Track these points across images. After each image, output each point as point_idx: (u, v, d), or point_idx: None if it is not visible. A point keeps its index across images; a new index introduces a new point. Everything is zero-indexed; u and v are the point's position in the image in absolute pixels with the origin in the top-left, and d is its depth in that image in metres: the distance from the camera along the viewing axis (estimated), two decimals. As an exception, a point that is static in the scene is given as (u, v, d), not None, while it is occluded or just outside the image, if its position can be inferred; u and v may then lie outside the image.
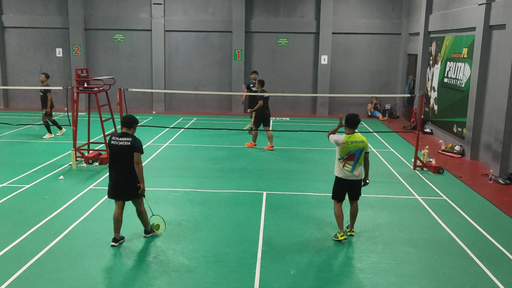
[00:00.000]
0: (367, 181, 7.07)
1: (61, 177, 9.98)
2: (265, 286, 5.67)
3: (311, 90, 20.00)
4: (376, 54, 19.96)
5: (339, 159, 6.85)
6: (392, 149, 13.29)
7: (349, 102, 20.12)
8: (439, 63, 15.22)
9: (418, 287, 5.74)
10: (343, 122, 7.00)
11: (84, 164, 10.98)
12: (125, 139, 6.50)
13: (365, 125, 17.53)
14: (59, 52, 20.36)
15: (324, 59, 19.59)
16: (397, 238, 7.16)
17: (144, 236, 7.01)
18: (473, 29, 12.54)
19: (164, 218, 7.28)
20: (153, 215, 7.17)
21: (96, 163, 11.02)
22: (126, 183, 6.57)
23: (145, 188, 6.80)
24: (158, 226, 7.12)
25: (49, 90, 13.96)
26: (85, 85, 11.19)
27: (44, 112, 13.97)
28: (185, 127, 16.15)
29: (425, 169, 11.12)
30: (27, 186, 9.34)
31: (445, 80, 14.67)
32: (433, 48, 15.95)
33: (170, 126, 15.19)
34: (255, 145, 13.40)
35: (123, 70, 20.19)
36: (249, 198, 8.90)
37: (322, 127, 16.09)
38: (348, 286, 5.80)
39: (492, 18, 11.66)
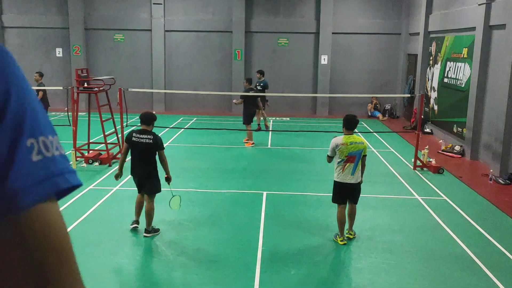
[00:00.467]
0: (360, 181, 7.01)
1: (61, 177, 9.97)
2: (265, 286, 5.67)
3: (311, 90, 19.99)
4: (376, 54, 19.96)
5: (338, 162, 6.77)
6: (392, 149, 13.29)
7: (349, 102, 20.11)
8: (439, 63, 15.23)
9: (418, 287, 5.74)
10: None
11: (84, 164, 10.98)
12: (146, 136, 6.83)
13: (365, 125, 17.53)
14: (59, 52, 20.36)
15: (324, 59, 19.59)
16: (397, 238, 7.16)
17: (144, 236, 7.03)
18: (473, 29, 12.54)
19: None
20: (173, 196, 7.21)
21: (96, 163, 11.02)
22: (147, 177, 6.93)
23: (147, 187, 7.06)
24: (175, 203, 7.13)
25: (43, 90, 13.90)
26: (85, 85, 11.19)
27: None
28: (185, 127, 16.15)
29: (425, 169, 11.12)
30: (27, 186, 9.33)
31: (445, 80, 14.67)
32: (433, 48, 15.95)
33: (170, 126, 15.19)
34: (253, 144, 13.55)
35: (123, 70, 20.19)
36: (249, 198, 8.90)
37: (322, 127, 16.09)
38: (348, 286, 5.81)
39: (492, 18, 11.66)
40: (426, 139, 14.78)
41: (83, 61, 19.91)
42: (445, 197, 9.14)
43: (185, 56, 20.18)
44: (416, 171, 11.02)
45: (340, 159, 6.75)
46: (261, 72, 15.47)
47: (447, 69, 14.57)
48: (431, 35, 16.25)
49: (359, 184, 6.93)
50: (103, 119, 11.18)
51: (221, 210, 8.25)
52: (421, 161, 11.16)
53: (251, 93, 13.42)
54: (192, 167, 11.07)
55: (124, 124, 11.33)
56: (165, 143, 7.38)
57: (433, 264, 6.34)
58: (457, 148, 12.99)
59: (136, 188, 7.24)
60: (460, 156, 12.68)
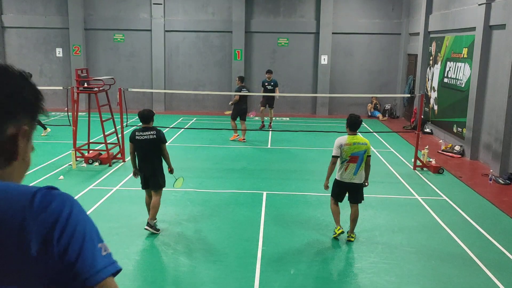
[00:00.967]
0: (366, 183, 7.06)
1: (61, 177, 9.98)
2: (265, 286, 5.67)
3: (311, 90, 19.99)
4: (376, 54, 19.96)
5: (342, 162, 6.81)
6: (392, 149, 13.29)
7: (349, 102, 20.11)
8: (439, 63, 15.22)
9: (418, 287, 5.74)
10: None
11: (84, 164, 10.98)
12: (149, 132, 7.04)
13: (365, 125, 17.52)
14: (59, 52, 20.36)
15: (324, 59, 19.59)
16: (397, 238, 7.16)
17: (145, 228, 7.10)
18: (473, 29, 12.54)
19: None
20: (176, 179, 7.57)
21: (96, 163, 11.02)
22: (155, 173, 7.11)
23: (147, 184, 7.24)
24: (179, 181, 7.53)
25: None
26: (85, 85, 11.19)
27: None
28: (185, 127, 16.15)
29: (425, 169, 11.12)
30: (27, 186, 9.33)
31: (445, 80, 14.67)
32: (433, 48, 15.95)
33: (170, 126, 15.19)
34: (238, 136, 14.23)
35: (123, 70, 20.19)
36: (249, 198, 8.90)
37: (322, 127, 16.09)
38: (348, 286, 5.80)
39: (492, 18, 11.66)
40: (426, 139, 14.78)
41: (83, 61, 19.91)
42: (445, 197, 9.14)
43: (185, 56, 20.18)
44: (416, 171, 11.02)
45: (343, 159, 6.77)
46: (270, 72, 16.18)
47: (447, 69, 14.56)
48: (431, 35, 16.25)
49: (362, 183, 6.93)
50: (103, 119, 11.18)
51: (221, 210, 8.25)
52: (421, 161, 11.16)
53: (243, 92, 13.98)
54: (192, 167, 11.07)
55: (124, 124, 11.33)
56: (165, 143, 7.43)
57: (433, 264, 6.34)
58: (457, 148, 12.99)
59: (141, 188, 7.33)
60: (460, 156, 12.68)
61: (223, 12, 19.85)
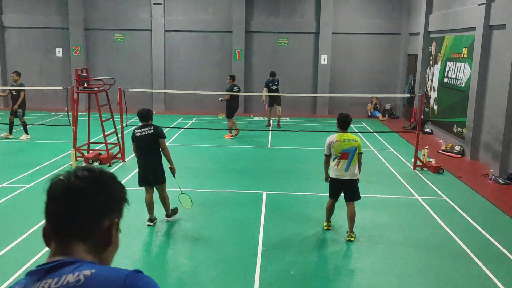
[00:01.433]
0: (357, 179, 7.11)
1: (61, 177, 9.96)
2: (265, 286, 5.67)
3: (311, 90, 19.99)
4: (376, 54, 19.96)
5: (333, 159, 6.96)
6: (392, 149, 13.29)
7: (349, 102, 20.11)
8: (439, 63, 15.23)
9: (418, 287, 5.74)
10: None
11: (84, 164, 10.97)
12: (147, 128, 7.21)
13: (365, 125, 17.54)
14: (59, 52, 20.36)
15: (324, 59, 19.59)
16: (397, 238, 7.16)
17: (166, 220, 7.45)
18: (473, 29, 12.54)
19: (165, 218, 7.28)
20: (181, 193, 7.67)
21: (96, 163, 11.02)
22: (153, 169, 7.22)
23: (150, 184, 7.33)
24: (186, 201, 7.59)
25: (23, 90, 13.80)
26: (85, 85, 11.19)
27: (19, 112, 13.64)
28: (185, 127, 16.15)
29: (425, 169, 11.12)
30: (27, 186, 9.34)
31: (445, 80, 14.67)
32: (433, 48, 15.95)
33: (170, 126, 15.19)
34: (233, 134, 14.62)
35: (123, 70, 20.18)
36: (249, 198, 8.90)
37: (322, 127, 16.08)
38: (348, 286, 5.81)
39: (492, 18, 11.66)
40: (426, 139, 14.77)
41: (83, 61, 19.91)
42: (445, 197, 9.14)
43: (185, 56, 20.18)
44: (416, 171, 11.02)
45: (335, 156, 6.94)
46: (274, 75, 16.49)
47: (447, 69, 14.57)
48: (431, 35, 16.26)
49: (355, 180, 6.99)
50: (103, 119, 11.18)
51: (221, 210, 8.25)
52: (421, 161, 11.16)
53: (234, 91, 14.38)
54: (192, 167, 11.07)
55: (124, 124, 11.33)
56: (165, 143, 7.43)
57: (433, 264, 6.34)
58: (457, 148, 12.99)
59: (138, 184, 7.35)
60: (460, 156, 12.68)
61: (223, 12, 19.85)
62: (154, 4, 19.68)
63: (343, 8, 19.65)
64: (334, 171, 6.97)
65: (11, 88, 13.80)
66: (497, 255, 6.64)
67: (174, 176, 7.58)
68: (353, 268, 6.24)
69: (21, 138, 13.87)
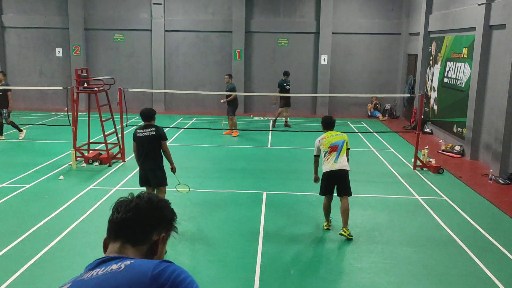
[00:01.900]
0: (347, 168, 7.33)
1: (61, 177, 9.98)
2: (265, 286, 5.67)
3: (311, 90, 19.99)
4: (376, 54, 19.96)
5: (324, 155, 7.19)
6: (392, 149, 13.29)
7: (349, 102, 20.12)
8: (439, 63, 15.23)
9: (418, 287, 5.74)
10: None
11: (84, 164, 10.97)
12: (149, 129, 7.18)
13: (365, 125, 17.54)
14: (59, 52, 20.36)
15: (324, 59, 19.59)
16: (397, 238, 7.16)
17: None
18: (473, 29, 12.54)
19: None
20: (179, 183, 7.71)
21: (96, 163, 11.02)
22: (154, 169, 7.19)
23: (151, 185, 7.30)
24: (184, 188, 7.68)
25: (9, 89, 13.72)
26: (85, 85, 11.19)
27: (6, 112, 13.57)
28: (185, 127, 16.15)
29: (425, 169, 11.12)
30: (27, 186, 9.34)
31: (445, 80, 14.67)
32: (433, 48, 15.95)
33: (170, 126, 15.19)
34: (232, 132, 14.88)
35: (123, 70, 20.19)
36: (249, 198, 8.90)
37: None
38: (348, 286, 5.80)
39: (492, 18, 11.66)
40: (426, 139, 14.77)
41: (83, 61, 19.91)
42: (445, 197, 9.14)
43: (185, 56, 20.18)
44: (416, 171, 11.02)
45: (325, 151, 7.17)
46: (288, 74, 16.64)
47: (447, 69, 14.56)
48: (431, 35, 16.25)
49: (346, 172, 7.13)
50: (103, 119, 11.18)
51: (221, 210, 8.25)
52: (421, 161, 11.16)
53: (229, 92, 14.59)
54: (192, 167, 11.07)
55: (124, 124, 11.33)
56: (167, 144, 7.42)
57: (433, 264, 6.34)
58: (457, 148, 12.99)
59: (139, 184, 7.34)
60: (460, 156, 12.68)
61: (223, 12, 19.85)
62: (154, 4, 19.68)
63: (343, 8, 19.65)
64: (325, 165, 7.15)
65: None
66: (497, 255, 6.64)
67: (174, 174, 7.56)
68: (353, 268, 6.23)
69: (20, 138, 13.82)
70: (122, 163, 11.24)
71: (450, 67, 14.34)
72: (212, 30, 19.92)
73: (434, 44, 15.86)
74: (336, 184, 7.18)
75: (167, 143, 7.47)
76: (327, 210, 7.39)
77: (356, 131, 15.71)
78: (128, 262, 1.68)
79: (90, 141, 11.93)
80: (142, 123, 7.46)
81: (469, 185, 9.98)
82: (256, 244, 6.82)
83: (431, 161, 11.24)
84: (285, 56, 20.05)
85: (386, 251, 6.70)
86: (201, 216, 7.96)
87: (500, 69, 11.13)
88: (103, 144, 11.35)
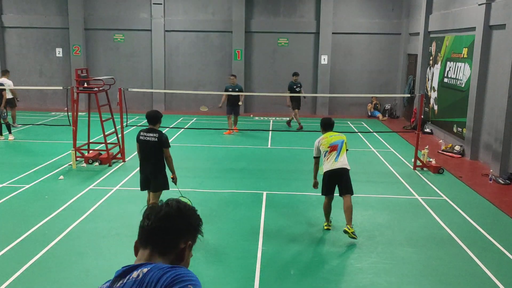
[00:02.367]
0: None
1: (61, 177, 9.98)
2: (265, 286, 5.67)
3: (311, 90, 19.98)
4: (376, 54, 19.96)
5: (324, 156, 7.22)
6: (392, 149, 13.29)
7: (349, 102, 20.12)
8: (439, 63, 15.22)
9: (418, 287, 5.74)
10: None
11: (84, 164, 10.98)
12: (152, 134, 6.98)
13: (365, 125, 17.54)
14: (59, 52, 20.35)
15: (324, 59, 19.59)
16: (397, 238, 7.16)
17: None
18: (473, 29, 12.54)
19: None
20: (181, 196, 7.30)
21: (96, 163, 11.02)
22: (154, 174, 7.05)
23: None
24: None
25: (4, 89, 13.70)
26: (85, 85, 11.19)
27: (4, 112, 13.57)
28: (185, 127, 16.15)
29: (425, 169, 11.12)
30: (27, 186, 9.34)
31: (445, 80, 14.67)
32: (433, 48, 15.95)
33: (170, 126, 15.19)
34: (234, 131, 15.05)
35: (123, 70, 20.18)
36: (249, 198, 8.90)
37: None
38: (348, 286, 5.80)
39: (492, 18, 11.66)
40: (426, 139, 14.77)
41: (83, 61, 19.90)
42: (445, 197, 9.13)
43: (185, 56, 20.18)
44: (416, 171, 11.02)
45: (325, 151, 7.20)
46: (298, 74, 16.52)
47: (447, 69, 14.56)
48: (431, 35, 16.25)
49: (347, 170, 7.14)
50: (103, 119, 11.18)
51: (220, 210, 8.25)
52: (421, 161, 11.16)
53: (230, 92, 14.71)
54: (192, 167, 11.07)
55: (124, 124, 11.33)
56: (169, 152, 7.30)
57: (433, 264, 6.34)
58: (457, 148, 12.98)
59: (140, 189, 7.27)
60: (460, 156, 12.68)
61: (223, 12, 19.85)
62: (154, 4, 19.68)
63: (343, 8, 19.65)
64: (326, 165, 7.18)
65: None
66: (497, 255, 6.64)
67: (175, 184, 7.36)
68: (353, 268, 6.23)
69: (9, 139, 13.77)
70: (122, 163, 11.23)
71: (450, 67, 14.34)
72: (212, 30, 19.92)
73: (434, 44, 15.86)
74: (337, 183, 7.17)
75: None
76: (327, 210, 7.40)
77: (356, 131, 15.71)
78: (145, 270, 1.77)
79: (90, 141, 11.93)
80: (143, 122, 7.42)
81: (469, 185, 9.98)
82: (256, 244, 6.82)
83: (431, 161, 11.24)
84: (285, 56, 20.05)
85: (386, 251, 6.70)
86: (201, 216, 7.91)
87: (500, 69, 11.13)
88: (103, 144, 11.35)
